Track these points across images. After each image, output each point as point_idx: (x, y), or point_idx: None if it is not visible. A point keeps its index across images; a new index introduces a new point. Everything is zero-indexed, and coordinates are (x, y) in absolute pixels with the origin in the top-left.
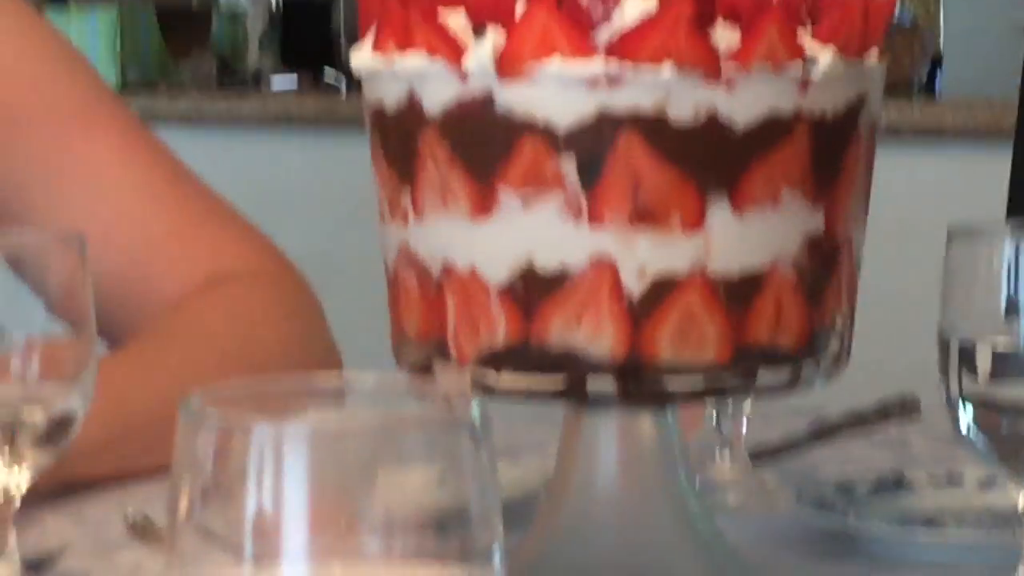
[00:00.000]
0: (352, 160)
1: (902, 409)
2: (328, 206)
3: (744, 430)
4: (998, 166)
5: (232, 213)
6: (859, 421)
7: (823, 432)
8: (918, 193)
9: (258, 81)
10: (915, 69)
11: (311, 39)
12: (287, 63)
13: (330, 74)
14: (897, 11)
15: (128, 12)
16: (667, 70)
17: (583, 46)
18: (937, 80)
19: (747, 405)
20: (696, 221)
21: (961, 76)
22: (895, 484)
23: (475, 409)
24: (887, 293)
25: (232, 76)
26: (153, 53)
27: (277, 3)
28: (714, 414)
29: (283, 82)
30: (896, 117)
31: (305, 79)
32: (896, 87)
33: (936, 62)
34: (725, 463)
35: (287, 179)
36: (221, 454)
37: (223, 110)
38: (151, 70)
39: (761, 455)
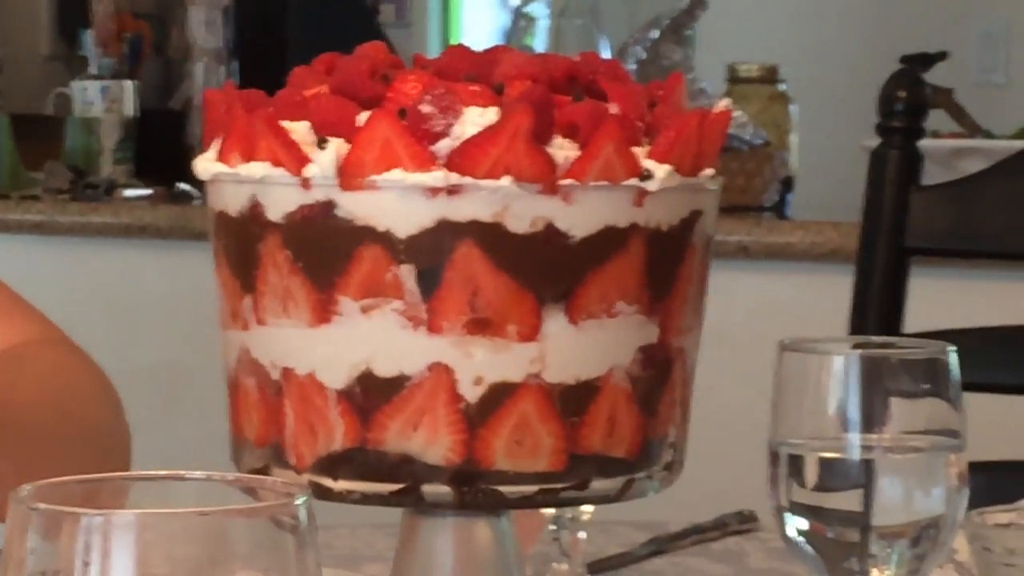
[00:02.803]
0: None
1: (740, 522)
2: (180, 316)
3: (583, 541)
4: (843, 286)
5: (12, 293)
6: (697, 533)
7: (662, 544)
8: (765, 311)
9: (111, 191)
10: (766, 190)
11: (166, 150)
12: (141, 174)
13: (183, 185)
14: (751, 133)
15: None
16: (505, 182)
17: (423, 158)
18: (788, 201)
19: (585, 516)
20: (532, 330)
21: (811, 198)
22: None
23: (301, 508)
24: (735, 407)
25: (86, 186)
26: (6, 162)
27: (133, 113)
28: (553, 525)
29: (137, 192)
30: (746, 237)
31: (159, 190)
32: (747, 207)
33: (787, 184)
34: (563, 574)
35: (140, 289)
36: (49, 545)
37: (76, 220)
38: (3, 179)
39: (599, 567)
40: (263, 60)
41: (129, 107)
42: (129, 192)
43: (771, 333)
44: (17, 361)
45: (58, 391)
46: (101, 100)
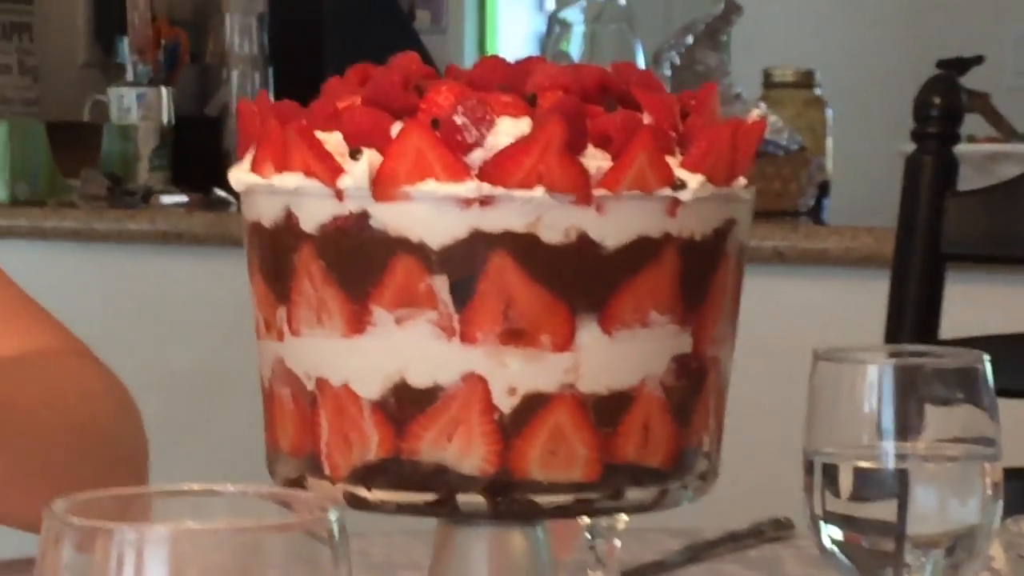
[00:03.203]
0: (241, 277)
1: (776, 529)
2: (216, 322)
3: (618, 549)
4: (879, 291)
5: (33, 303)
6: (733, 541)
7: (697, 552)
8: (801, 316)
9: (148, 198)
10: (802, 194)
11: (202, 156)
12: (178, 180)
13: (219, 192)
14: (787, 138)
15: (18, 128)
16: (539, 192)
17: (456, 168)
18: (824, 206)
19: (621, 524)
20: (566, 341)
21: (847, 203)
22: None
23: (334, 523)
24: (771, 411)
25: (122, 193)
26: (43, 169)
27: (168, 120)
28: (588, 533)
29: (173, 199)
30: (782, 242)
31: (195, 196)
32: (783, 212)
33: (823, 189)
34: None
35: (176, 295)
36: (83, 559)
37: (112, 227)
38: (40, 186)
39: (635, 575)
40: (299, 66)
41: (165, 114)
42: (165, 199)
43: (807, 338)
44: (30, 366)
45: (69, 397)
46: (137, 107)
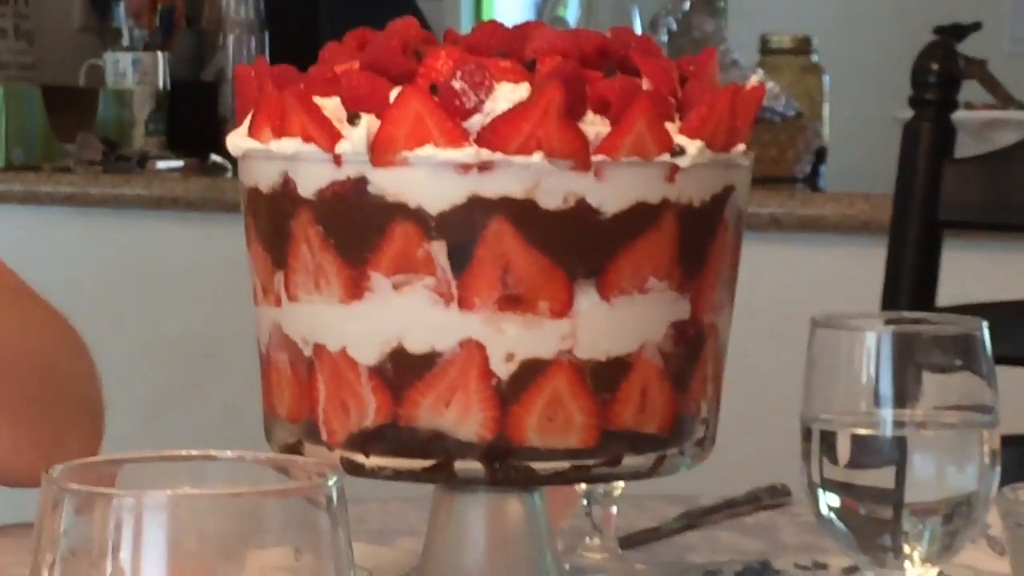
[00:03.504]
0: (237, 242)
1: (772, 496)
2: (212, 288)
3: (615, 516)
4: (876, 258)
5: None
6: (730, 507)
7: (694, 519)
8: (798, 283)
9: (144, 163)
10: (799, 161)
11: (198, 122)
12: (173, 145)
13: (215, 157)
14: (783, 104)
15: (13, 92)
16: (537, 158)
17: (455, 134)
18: (820, 173)
19: (617, 490)
20: (564, 307)
21: (844, 169)
22: (761, 573)
23: (333, 488)
24: (768, 378)
25: (117, 158)
26: (38, 134)
27: (164, 85)
28: (585, 500)
29: (169, 164)
30: (778, 209)
31: (191, 162)
32: (780, 178)
33: (820, 155)
34: (595, 548)
35: (172, 261)
36: (81, 525)
37: (108, 192)
38: (36, 151)
39: (631, 541)
40: (295, 31)
41: (161, 79)
42: (161, 164)
43: (804, 305)
44: None
45: (28, 339)
46: (133, 72)
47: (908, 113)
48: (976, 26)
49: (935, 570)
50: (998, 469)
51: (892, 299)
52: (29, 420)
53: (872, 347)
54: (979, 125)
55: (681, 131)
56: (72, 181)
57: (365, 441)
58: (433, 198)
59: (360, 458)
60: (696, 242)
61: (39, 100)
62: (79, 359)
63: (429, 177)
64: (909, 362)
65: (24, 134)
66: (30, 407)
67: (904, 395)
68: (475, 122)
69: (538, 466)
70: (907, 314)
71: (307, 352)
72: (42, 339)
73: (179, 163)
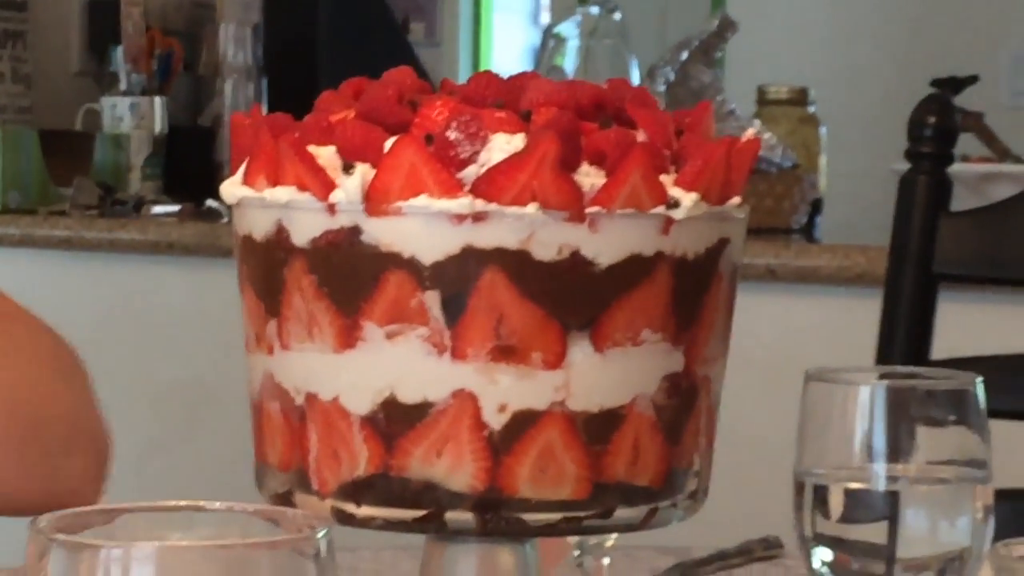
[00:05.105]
0: (233, 288)
1: (765, 548)
2: (206, 333)
3: (606, 567)
4: (871, 310)
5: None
6: (722, 560)
7: (686, 571)
8: (793, 335)
9: (139, 208)
10: (795, 212)
11: (195, 166)
12: (169, 190)
13: (211, 202)
14: (780, 155)
15: (10, 136)
16: (532, 209)
17: (449, 184)
18: (816, 224)
19: (609, 541)
20: (557, 358)
21: (840, 221)
22: None
23: (322, 540)
24: (761, 430)
25: (114, 202)
26: (35, 178)
27: (161, 130)
28: (577, 551)
29: (165, 209)
30: (774, 260)
31: (187, 206)
32: (776, 229)
33: (816, 206)
34: None
35: (167, 306)
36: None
37: (104, 236)
38: (32, 194)
39: None
40: (293, 77)
41: (158, 124)
42: (157, 208)
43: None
44: None
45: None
46: (130, 116)
47: (905, 165)
48: (973, 79)
49: None
50: (992, 524)
51: (887, 351)
52: (9, 444)
53: (865, 401)
54: (976, 178)
55: (676, 183)
56: (68, 225)
57: (356, 491)
58: (427, 248)
59: (351, 508)
60: (690, 294)
61: (36, 143)
62: (69, 380)
63: (423, 227)
64: (902, 417)
65: (20, 177)
66: (9, 431)
67: (897, 450)
68: (470, 172)
69: (529, 517)
70: (901, 368)
71: (299, 401)
72: (28, 363)
73: (175, 208)
